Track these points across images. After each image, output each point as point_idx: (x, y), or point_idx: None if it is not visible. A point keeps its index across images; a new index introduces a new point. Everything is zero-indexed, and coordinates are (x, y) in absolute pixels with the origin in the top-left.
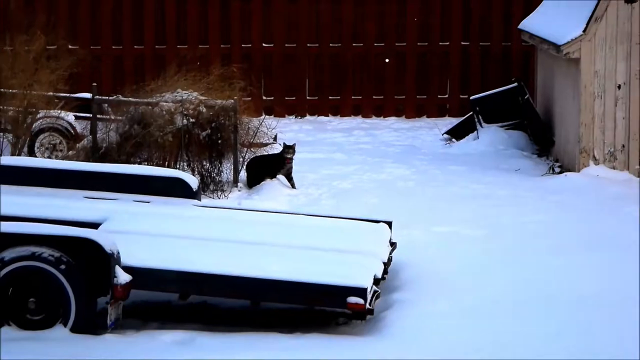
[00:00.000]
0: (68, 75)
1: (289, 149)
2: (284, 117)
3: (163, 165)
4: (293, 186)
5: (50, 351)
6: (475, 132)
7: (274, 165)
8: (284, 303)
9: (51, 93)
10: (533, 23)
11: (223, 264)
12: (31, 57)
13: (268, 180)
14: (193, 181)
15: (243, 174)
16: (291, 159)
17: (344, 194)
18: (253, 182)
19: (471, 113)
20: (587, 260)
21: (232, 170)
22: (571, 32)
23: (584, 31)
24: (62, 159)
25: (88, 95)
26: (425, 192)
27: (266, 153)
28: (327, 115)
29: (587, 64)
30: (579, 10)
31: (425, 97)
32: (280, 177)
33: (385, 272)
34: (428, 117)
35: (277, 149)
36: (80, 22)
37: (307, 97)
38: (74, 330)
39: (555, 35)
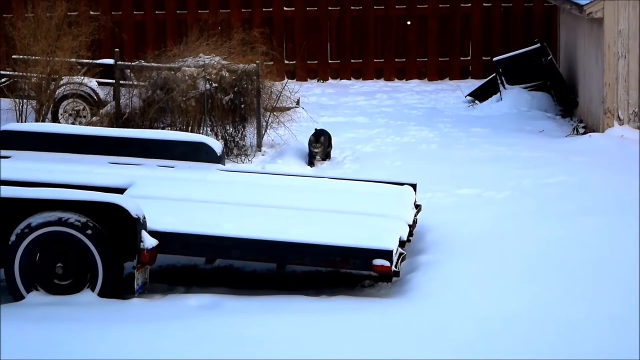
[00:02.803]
0: (90, 41)
1: (315, 142)
2: (306, 80)
3: (186, 130)
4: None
5: (78, 315)
6: (498, 93)
7: None
8: (309, 266)
9: (74, 59)
10: None
11: (249, 228)
12: (53, 24)
13: (292, 144)
14: (217, 146)
15: (267, 138)
16: (319, 151)
17: (367, 157)
18: None
19: (494, 75)
20: (611, 222)
21: (255, 135)
22: None
23: None
24: (86, 125)
25: (110, 61)
26: (449, 155)
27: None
28: (350, 79)
29: (611, 23)
30: None
31: (447, 59)
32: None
33: (410, 234)
34: (450, 79)
35: (299, 112)
36: None
37: (329, 61)
38: (101, 294)
39: None
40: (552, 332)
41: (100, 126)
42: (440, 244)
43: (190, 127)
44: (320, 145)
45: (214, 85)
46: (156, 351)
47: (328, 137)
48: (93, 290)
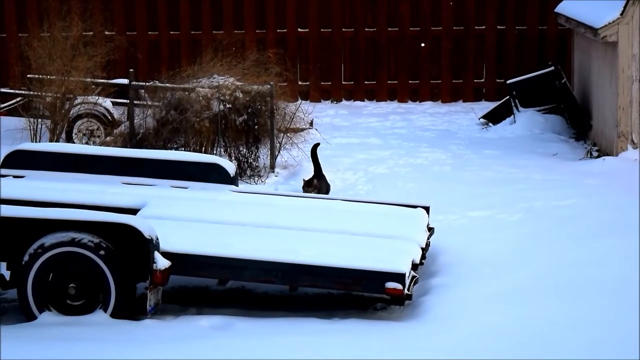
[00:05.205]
0: (105, 61)
1: (307, 187)
2: (320, 101)
3: (200, 151)
4: None
5: (90, 336)
6: (512, 116)
7: None
8: (321, 288)
9: (88, 79)
10: (569, 6)
11: (261, 249)
12: (69, 44)
13: (305, 166)
14: (230, 167)
15: (280, 159)
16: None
17: (380, 178)
18: None
19: (507, 97)
20: (625, 245)
21: (268, 156)
22: (608, 15)
23: (621, 14)
24: (100, 145)
25: (125, 81)
26: (462, 177)
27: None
28: (363, 100)
29: (625, 47)
30: None
31: (461, 81)
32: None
33: (423, 257)
34: (464, 101)
35: (313, 133)
36: (116, 8)
37: (343, 82)
38: (113, 315)
39: (592, 18)
40: (566, 354)
41: (113, 146)
42: (452, 267)
43: (203, 148)
44: (313, 190)
45: (227, 106)
46: None
47: (325, 183)
48: (105, 310)
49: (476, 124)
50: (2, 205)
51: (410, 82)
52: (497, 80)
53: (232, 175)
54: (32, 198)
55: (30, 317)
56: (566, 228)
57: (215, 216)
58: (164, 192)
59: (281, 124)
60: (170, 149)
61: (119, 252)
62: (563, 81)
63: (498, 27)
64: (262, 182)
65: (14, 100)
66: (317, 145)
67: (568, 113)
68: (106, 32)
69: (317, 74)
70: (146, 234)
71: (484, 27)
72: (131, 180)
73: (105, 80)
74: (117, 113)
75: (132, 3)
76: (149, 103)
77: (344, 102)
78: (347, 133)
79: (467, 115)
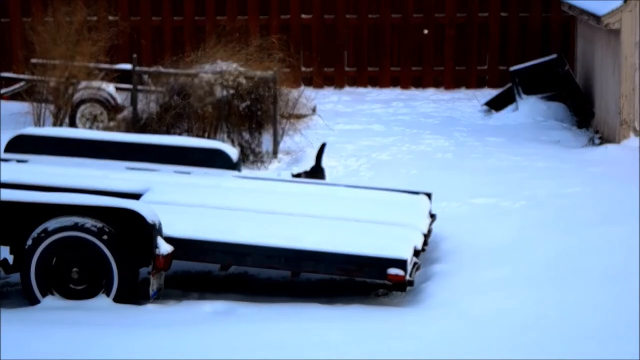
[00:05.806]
0: (109, 46)
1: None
2: (323, 88)
3: (203, 136)
4: None
5: (93, 320)
6: (515, 103)
7: None
8: (323, 274)
9: (92, 64)
10: None
11: (264, 235)
12: (73, 29)
13: (308, 152)
14: (233, 152)
15: (283, 145)
16: None
17: (383, 165)
18: None
19: (510, 84)
20: (627, 233)
21: (271, 142)
22: (612, 3)
23: (625, 1)
24: (103, 130)
25: (128, 66)
26: (464, 164)
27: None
28: (366, 87)
29: (628, 34)
30: None
31: (464, 68)
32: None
33: (425, 243)
34: (467, 88)
35: (315, 119)
36: None
37: (346, 68)
38: (116, 299)
39: (595, 6)
40: (566, 340)
41: (117, 131)
42: (454, 254)
43: (207, 133)
44: None
45: (231, 91)
46: (170, 356)
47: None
48: (108, 295)
49: (479, 111)
50: (5, 190)
51: (413, 69)
52: (500, 68)
53: (234, 161)
54: (35, 182)
55: (34, 301)
56: (569, 216)
57: (218, 201)
58: (167, 177)
59: (284, 110)
60: (173, 134)
61: (122, 237)
62: (566, 69)
63: (501, 14)
64: (265, 167)
65: (17, 85)
66: (324, 144)
67: (571, 101)
68: (110, 18)
69: (320, 60)
70: (149, 219)
71: (487, 14)
72: (134, 166)
73: (108, 66)
74: (120, 98)
75: None
76: (153, 88)
77: (347, 88)
78: (350, 119)
79: (470, 102)
